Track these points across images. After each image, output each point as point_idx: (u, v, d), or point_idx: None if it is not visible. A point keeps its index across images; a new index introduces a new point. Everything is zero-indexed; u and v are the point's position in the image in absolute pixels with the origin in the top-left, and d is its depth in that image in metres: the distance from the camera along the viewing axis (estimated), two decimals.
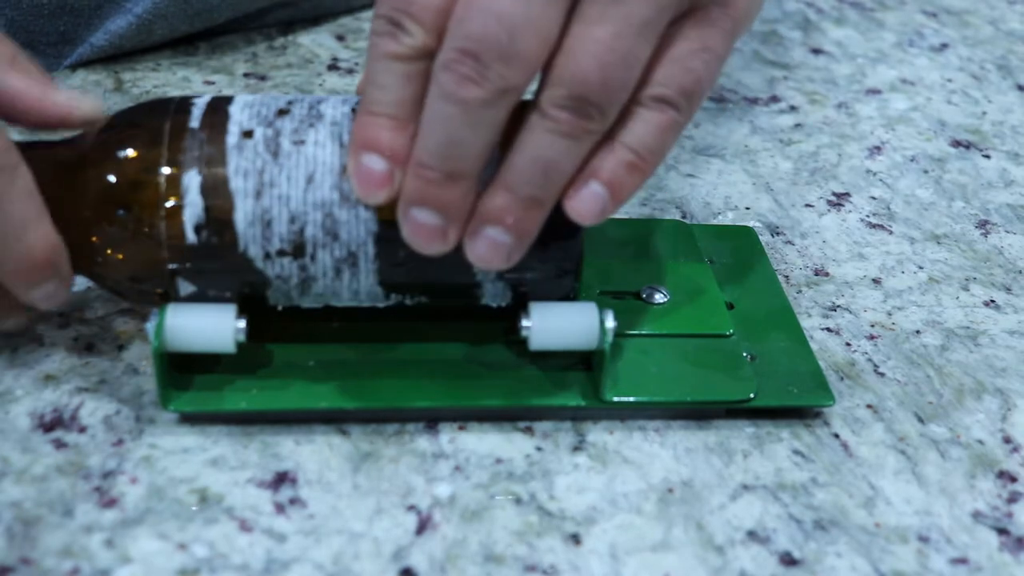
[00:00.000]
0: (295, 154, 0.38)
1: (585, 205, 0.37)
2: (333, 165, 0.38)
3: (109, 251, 0.39)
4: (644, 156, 0.38)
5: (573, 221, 0.38)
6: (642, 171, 0.38)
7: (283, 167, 0.38)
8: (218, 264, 0.39)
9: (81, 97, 0.40)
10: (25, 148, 0.39)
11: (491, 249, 0.37)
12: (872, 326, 0.48)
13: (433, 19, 0.35)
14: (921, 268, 0.52)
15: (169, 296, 0.40)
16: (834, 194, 0.56)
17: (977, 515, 0.40)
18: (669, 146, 0.38)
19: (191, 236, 0.38)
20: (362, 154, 0.37)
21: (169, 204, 0.38)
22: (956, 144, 0.61)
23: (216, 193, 0.38)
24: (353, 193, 0.38)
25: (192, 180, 0.38)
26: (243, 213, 0.38)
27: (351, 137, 0.37)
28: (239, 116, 0.39)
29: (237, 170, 0.38)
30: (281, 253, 0.39)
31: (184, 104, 0.40)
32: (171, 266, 0.39)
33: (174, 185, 0.38)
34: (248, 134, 0.39)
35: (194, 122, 0.39)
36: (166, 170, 0.38)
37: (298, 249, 0.39)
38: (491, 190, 0.37)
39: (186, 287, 0.39)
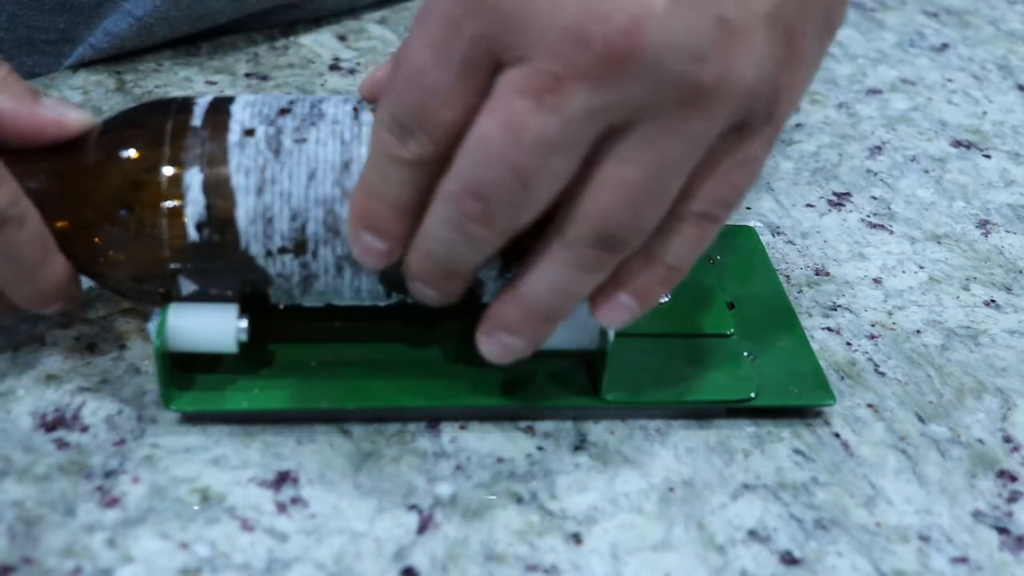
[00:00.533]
0: (297, 152, 0.38)
1: (614, 315, 0.38)
2: (334, 162, 0.38)
3: (111, 251, 0.39)
4: (680, 268, 0.37)
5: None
6: (675, 280, 0.37)
7: (285, 165, 0.38)
8: (220, 262, 0.39)
9: (67, 107, 0.39)
10: (27, 149, 0.39)
11: (503, 350, 0.38)
12: (873, 326, 0.48)
13: (444, 137, 0.34)
14: (922, 268, 0.52)
15: (171, 295, 0.40)
16: (835, 194, 0.56)
17: (977, 514, 0.40)
18: (704, 250, 0.37)
19: (193, 234, 0.38)
20: (361, 231, 0.37)
21: (171, 203, 0.38)
22: (957, 144, 0.61)
23: (218, 191, 0.38)
24: None
25: (194, 178, 0.38)
26: (245, 210, 0.38)
27: (350, 209, 0.37)
28: (241, 115, 0.39)
29: (239, 168, 0.38)
30: (283, 251, 0.39)
31: (186, 104, 0.40)
32: (173, 265, 0.39)
33: (176, 184, 0.38)
34: (250, 132, 0.39)
35: (196, 121, 0.39)
36: (168, 170, 0.38)
37: (300, 246, 0.39)
38: (507, 301, 0.37)
39: (188, 286, 0.39)
